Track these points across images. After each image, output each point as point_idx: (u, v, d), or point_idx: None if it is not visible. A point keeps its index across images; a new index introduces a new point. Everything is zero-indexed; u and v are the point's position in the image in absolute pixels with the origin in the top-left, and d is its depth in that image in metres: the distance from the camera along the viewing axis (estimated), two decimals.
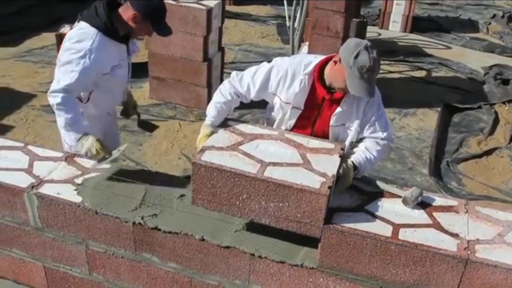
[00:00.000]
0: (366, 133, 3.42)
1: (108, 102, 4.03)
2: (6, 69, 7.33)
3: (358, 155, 3.34)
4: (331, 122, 3.38)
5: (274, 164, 2.92)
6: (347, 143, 3.42)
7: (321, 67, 3.33)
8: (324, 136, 3.42)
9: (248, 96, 3.51)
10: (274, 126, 3.56)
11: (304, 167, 2.92)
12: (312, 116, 3.43)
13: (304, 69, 3.33)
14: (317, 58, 3.39)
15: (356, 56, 3.09)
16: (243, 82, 3.49)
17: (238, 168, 2.85)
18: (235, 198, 2.91)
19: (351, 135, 3.41)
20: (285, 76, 3.36)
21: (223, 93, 3.55)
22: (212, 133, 3.37)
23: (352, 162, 3.26)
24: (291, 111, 3.42)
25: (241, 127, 3.24)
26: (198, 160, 2.89)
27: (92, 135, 3.52)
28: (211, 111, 3.55)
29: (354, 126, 3.37)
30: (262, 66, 3.46)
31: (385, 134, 3.41)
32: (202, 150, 2.99)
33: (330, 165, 2.96)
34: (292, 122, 3.47)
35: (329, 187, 2.77)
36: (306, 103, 3.39)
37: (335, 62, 3.22)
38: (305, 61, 3.39)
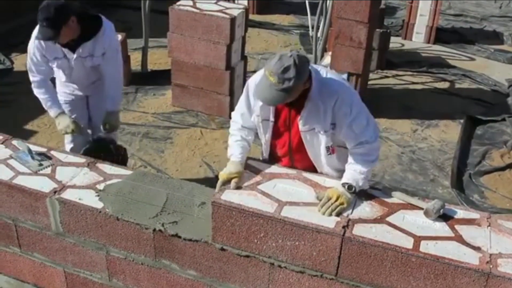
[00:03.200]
0: (347, 139, 3.29)
1: (68, 88, 4.68)
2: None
3: (346, 174, 3.23)
4: (300, 127, 3.32)
5: (291, 203, 3.03)
6: (322, 148, 3.37)
7: None
8: (301, 143, 3.39)
9: (248, 124, 3.48)
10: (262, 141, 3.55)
11: None
12: (285, 125, 3.40)
13: None
14: None
15: (270, 60, 3.04)
16: (237, 116, 3.50)
17: (256, 208, 2.96)
18: (253, 236, 3.01)
19: (323, 140, 3.34)
20: (253, 89, 3.33)
21: (233, 134, 3.52)
22: (239, 173, 3.25)
23: (346, 183, 3.15)
24: (262, 124, 3.40)
25: (260, 166, 3.35)
26: (218, 200, 3.01)
27: (68, 116, 4.49)
28: (235, 149, 3.42)
29: (325, 128, 3.27)
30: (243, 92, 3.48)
31: (365, 136, 3.25)
32: (222, 190, 3.10)
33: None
34: (268, 135, 3.44)
35: (343, 227, 2.86)
36: (276, 113, 3.35)
37: None
38: None
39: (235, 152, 3.38)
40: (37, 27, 4.23)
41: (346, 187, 3.11)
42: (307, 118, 3.27)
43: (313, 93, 3.19)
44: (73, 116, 4.62)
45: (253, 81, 3.35)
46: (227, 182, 3.18)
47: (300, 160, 3.49)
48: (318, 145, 3.37)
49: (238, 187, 3.16)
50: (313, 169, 3.50)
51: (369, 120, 3.28)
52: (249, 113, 3.44)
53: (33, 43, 4.32)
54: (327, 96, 3.20)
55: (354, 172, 3.19)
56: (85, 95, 4.75)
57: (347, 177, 3.18)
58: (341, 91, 3.24)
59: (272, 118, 3.36)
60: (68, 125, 4.45)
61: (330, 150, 3.39)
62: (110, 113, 4.57)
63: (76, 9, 4.19)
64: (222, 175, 3.22)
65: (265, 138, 3.47)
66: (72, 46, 4.32)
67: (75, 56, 4.34)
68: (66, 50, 4.34)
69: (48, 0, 4.12)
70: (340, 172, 3.37)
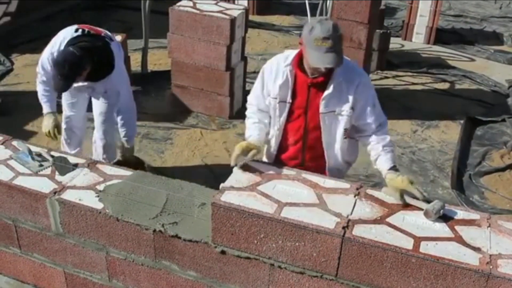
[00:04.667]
0: (367, 121, 3.39)
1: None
2: (31, 75, 7.40)
3: (386, 157, 3.32)
4: (321, 109, 3.36)
5: (291, 204, 3.03)
6: (339, 131, 3.42)
7: (301, 55, 3.37)
8: (317, 126, 3.43)
9: (264, 107, 3.55)
10: (270, 131, 3.60)
11: (319, 207, 3.02)
12: (302, 107, 3.43)
13: (284, 61, 3.39)
14: (296, 50, 3.43)
15: (310, 31, 3.14)
16: (252, 98, 3.60)
17: (256, 209, 2.96)
18: (253, 237, 3.01)
19: (343, 122, 3.40)
20: (270, 72, 3.43)
21: (250, 116, 3.61)
22: (259, 148, 3.34)
23: (391, 167, 3.25)
24: (279, 106, 3.44)
25: (260, 167, 3.33)
26: (218, 201, 3.01)
27: (54, 117, 4.63)
28: (253, 130, 3.49)
29: (345, 110, 3.35)
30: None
31: (382, 117, 3.44)
32: (222, 191, 3.09)
33: (345, 205, 3.04)
34: (283, 118, 3.48)
35: (343, 228, 2.86)
36: (293, 95, 3.40)
37: (300, 44, 3.29)
38: (286, 54, 3.45)
39: (253, 133, 3.45)
40: (64, 30, 4.45)
41: (396, 169, 3.24)
42: (330, 99, 3.33)
43: (338, 73, 3.24)
44: (73, 111, 4.91)
45: (269, 64, 3.45)
46: (245, 152, 3.23)
47: (312, 147, 3.50)
48: (335, 128, 3.43)
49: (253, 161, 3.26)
50: (321, 161, 3.52)
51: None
52: (263, 96, 3.50)
53: (50, 54, 4.42)
54: (350, 78, 3.31)
55: (391, 152, 3.34)
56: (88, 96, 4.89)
57: (391, 161, 3.28)
58: (363, 74, 3.41)
59: (289, 99, 3.39)
60: (46, 125, 4.62)
61: (346, 134, 3.46)
62: (126, 149, 4.81)
63: (92, 58, 4.25)
64: (241, 144, 3.27)
65: (280, 122, 3.49)
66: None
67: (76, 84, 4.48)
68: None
69: (65, 53, 4.18)
70: (346, 163, 3.54)
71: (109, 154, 4.97)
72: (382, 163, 3.30)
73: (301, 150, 3.55)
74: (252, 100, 3.59)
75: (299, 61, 3.36)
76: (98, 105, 4.76)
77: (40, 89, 4.63)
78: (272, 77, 3.40)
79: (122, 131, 4.69)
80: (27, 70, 7.50)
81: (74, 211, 3.29)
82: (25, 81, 7.22)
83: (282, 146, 3.59)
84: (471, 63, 8.63)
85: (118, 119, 4.65)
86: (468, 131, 6.67)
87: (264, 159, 3.72)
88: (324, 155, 3.53)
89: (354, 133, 3.51)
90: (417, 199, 3.04)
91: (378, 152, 3.34)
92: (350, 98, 3.33)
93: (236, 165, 3.24)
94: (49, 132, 4.62)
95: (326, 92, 3.32)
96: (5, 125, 5.70)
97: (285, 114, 3.44)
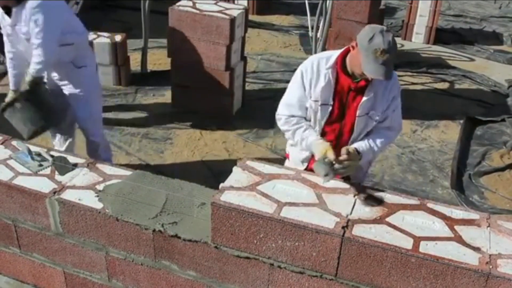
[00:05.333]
0: (385, 121, 3.47)
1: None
2: None
3: (362, 143, 3.40)
4: (358, 112, 3.38)
5: (290, 204, 3.03)
6: (365, 132, 3.47)
7: (343, 57, 3.35)
8: (351, 129, 3.45)
9: (304, 113, 3.50)
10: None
11: (319, 207, 3.02)
12: (341, 109, 3.43)
13: (326, 63, 3.35)
14: (337, 51, 3.41)
15: (371, 39, 3.11)
16: (293, 109, 3.49)
17: (256, 209, 2.96)
18: (253, 237, 3.01)
19: (372, 124, 3.44)
20: (312, 73, 3.37)
21: (298, 127, 3.51)
22: (331, 147, 3.31)
23: (355, 148, 3.34)
24: (321, 108, 3.41)
25: (260, 167, 3.33)
26: (217, 201, 3.01)
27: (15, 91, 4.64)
28: (312, 134, 3.45)
29: (378, 115, 3.39)
30: (292, 79, 3.50)
31: (399, 122, 3.52)
32: (221, 190, 3.09)
33: (344, 205, 3.04)
34: (324, 120, 3.47)
35: (343, 227, 2.86)
36: (334, 98, 3.39)
37: (353, 48, 3.25)
38: (326, 55, 3.42)
39: (313, 138, 3.42)
40: None
41: (355, 149, 3.30)
42: (367, 103, 3.35)
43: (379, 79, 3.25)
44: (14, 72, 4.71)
45: (308, 67, 3.39)
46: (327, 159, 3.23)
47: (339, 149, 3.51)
48: (365, 130, 3.46)
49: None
50: None
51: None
52: (305, 101, 3.45)
53: None
54: (389, 85, 3.35)
55: (368, 143, 3.41)
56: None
57: (361, 147, 3.37)
58: (398, 83, 3.45)
59: (331, 102, 3.39)
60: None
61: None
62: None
63: None
64: (321, 151, 3.27)
65: (321, 124, 3.48)
66: (9, 12, 4.34)
67: (10, 22, 4.37)
68: (6, 17, 4.38)
69: None
70: (368, 162, 3.64)
71: None
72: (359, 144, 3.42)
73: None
74: (293, 111, 3.48)
75: (342, 63, 3.34)
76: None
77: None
78: (314, 79, 3.36)
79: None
80: None
81: (73, 211, 3.29)
82: None
83: None
84: (471, 63, 8.63)
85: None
86: (467, 131, 6.68)
87: (289, 162, 3.71)
88: None
89: None
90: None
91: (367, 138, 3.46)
92: (385, 105, 3.38)
93: (329, 180, 3.18)
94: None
95: (366, 97, 3.33)
96: (5, 125, 5.69)
97: (326, 117, 3.43)
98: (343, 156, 3.22)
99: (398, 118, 3.50)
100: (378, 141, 3.45)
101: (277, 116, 3.57)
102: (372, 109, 3.38)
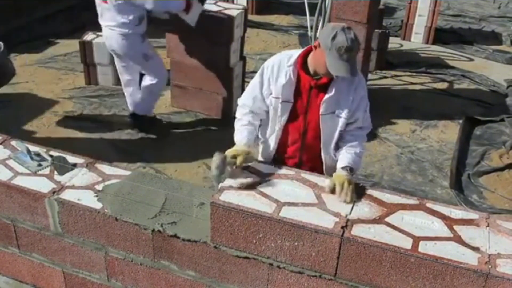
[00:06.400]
0: (355, 121, 3.45)
1: None
2: (30, 75, 7.42)
3: (344, 157, 3.36)
4: (321, 110, 3.36)
5: (290, 204, 3.03)
6: (336, 132, 3.43)
7: (304, 56, 3.36)
8: (316, 127, 3.43)
9: (257, 108, 3.53)
10: (268, 131, 3.58)
11: (318, 207, 3.02)
12: (303, 107, 3.43)
13: (287, 61, 3.37)
14: (299, 51, 3.43)
15: (334, 38, 3.12)
16: (247, 100, 3.54)
17: (255, 208, 2.96)
18: (252, 237, 3.01)
19: (340, 123, 3.40)
20: (272, 71, 3.40)
21: (240, 118, 3.58)
22: (243, 152, 3.30)
23: (347, 166, 3.29)
24: (281, 105, 3.42)
25: (259, 167, 3.34)
26: (217, 200, 3.01)
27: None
28: (241, 133, 3.50)
29: (344, 113, 3.37)
30: (257, 73, 3.53)
31: (368, 120, 3.51)
32: (221, 190, 3.09)
33: (344, 205, 3.05)
34: (284, 118, 3.46)
35: (342, 227, 2.86)
36: (295, 95, 3.39)
37: (315, 47, 3.26)
38: (289, 54, 3.43)
39: (239, 137, 3.46)
40: None
41: (348, 169, 3.24)
42: (331, 101, 3.34)
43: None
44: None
45: (270, 64, 3.42)
46: (231, 160, 3.21)
47: (310, 147, 3.52)
48: (333, 129, 3.43)
49: (244, 168, 3.24)
50: (317, 161, 3.54)
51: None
52: (262, 96, 3.48)
53: None
54: (350, 79, 3.31)
55: (354, 154, 3.36)
56: None
57: (347, 161, 3.31)
58: (361, 75, 3.41)
59: (292, 99, 3.38)
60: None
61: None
62: None
63: None
64: (229, 151, 3.27)
65: (281, 121, 3.48)
66: None
67: None
68: None
69: None
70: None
71: None
72: (339, 160, 3.38)
73: (299, 149, 3.55)
74: (246, 101, 3.55)
75: (303, 62, 3.36)
76: None
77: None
78: (274, 76, 3.39)
79: None
80: (26, 70, 7.50)
81: (73, 211, 3.29)
82: (24, 80, 7.22)
83: (281, 146, 3.59)
84: (470, 63, 8.63)
85: None
86: (467, 130, 6.68)
87: (260, 158, 3.71)
88: (321, 155, 3.54)
89: None
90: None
91: (342, 149, 3.43)
92: (350, 100, 3.35)
93: (216, 174, 3.18)
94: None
95: (328, 95, 3.32)
96: (4, 125, 5.70)
97: (287, 114, 3.44)
98: (342, 195, 3.09)
99: (368, 117, 3.51)
100: (359, 144, 3.45)
101: (239, 99, 3.64)
102: (337, 107, 3.36)
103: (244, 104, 3.56)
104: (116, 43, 5.64)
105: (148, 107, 6.18)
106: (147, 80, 5.94)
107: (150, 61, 5.88)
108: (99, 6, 5.61)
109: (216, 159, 3.17)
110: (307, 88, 3.37)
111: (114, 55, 5.91)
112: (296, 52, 3.41)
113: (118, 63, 5.94)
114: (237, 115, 3.60)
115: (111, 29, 5.59)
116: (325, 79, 3.31)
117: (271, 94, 3.43)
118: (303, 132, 3.49)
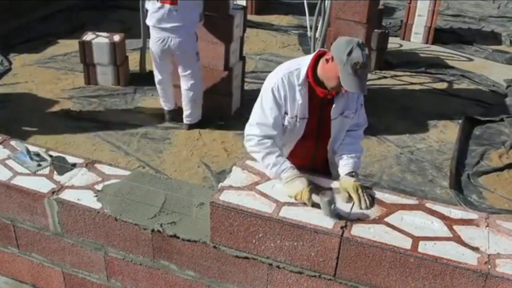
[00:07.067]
0: (355, 119, 3.45)
1: None
2: (29, 75, 7.42)
3: (347, 163, 3.32)
4: (332, 115, 3.32)
5: (289, 204, 3.03)
6: (343, 132, 3.43)
7: (312, 69, 3.24)
8: (327, 132, 3.39)
9: (278, 133, 3.31)
10: (278, 142, 3.34)
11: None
12: (316, 119, 3.35)
13: (297, 79, 3.23)
14: (304, 61, 3.28)
15: (349, 53, 3.04)
16: (267, 129, 3.28)
17: (255, 208, 2.96)
18: (252, 237, 3.01)
19: (348, 123, 3.41)
20: (284, 91, 3.23)
21: (270, 151, 3.26)
22: (309, 183, 3.12)
23: (351, 172, 3.26)
24: (299, 123, 3.31)
25: (259, 166, 3.32)
26: (216, 200, 3.00)
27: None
28: (286, 164, 3.22)
29: (352, 112, 3.37)
30: (263, 97, 3.31)
31: (364, 116, 3.52)
32: (221, 190, 3.08)
33: (344, 204, 3.04)
34: (301, 133, 3.36)
35: (342, 227, 2.85)
36: (309, 110, 3.31)
37: (327, 61, 3.15)
38: (293, 68, 3.27)
39: (286, 168, 3.21)
40: None
41: (354, 174, 3.24)
42: (340, 104, 3.31)
43: None
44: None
45: (275, 86, 3.23)
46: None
47: (322, 151, 3.47)
48: (342, 128, 3.42)
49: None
50: (326, 163, 3.53)
51: None
52: (280, 120, 3.29)
53: None
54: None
55: (356, 158, 3.34)
56: None
57: (351, 166, 3.29)
58: None
59: (307, 115, 3.32)
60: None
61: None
62: None
63: None
64: (304, 193, 3.06)
65: (297, 136, 3.39)
66: None
67: None
68: None
69: None
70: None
71: None
72: (342, 166, 3.32)
73: (313, 155, 3.50)
74: (266, 131, 3.27)
75: (313, 75, 3.24)
76: None
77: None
78: (288, 96, 3.24)
79: None
80: (25, 70, 7.51)
81: (72, 211, 3.29)
82: (23, 80, 7.22)
83: (292, 156, 3.50)
84: (470, 63, 8.64)
85: None
86: (466, 130, 6.68)
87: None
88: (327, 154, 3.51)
89: None
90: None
91: (343, 154, 3.38)
92: (355, 99, 3.36)
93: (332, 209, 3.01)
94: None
95: (337, 100, 3.29)
96: (3, 125, 5.70)
97: (303, 129, 3.35)
98: (362, 203, 3.04)
99: (363, 112, 3.50)
100: (359, 147, 3.46)
101: (247, 137, 3.35)
102: (346, 108, 3.34)
103: (266, 136, 3.27)
104: (178, 42, 5.78)
105: (199, 114, 6.39)
106: (187, 93, 6.18)
107: (198, 62, 6.04)
108: (162, 9, 5.66)
109: (327, 212, 2.98)
110: (319, 99, 3.30)
111: (157, 56, 6.00)
112: (303, 66, 3.26)
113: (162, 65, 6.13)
114: (260, 149, 3.27)
115: (175, 29, 5.72)
116: (335, 92, 3.25)
117: (286, 115, 3.29)
118: (317, 137, 3.42)
